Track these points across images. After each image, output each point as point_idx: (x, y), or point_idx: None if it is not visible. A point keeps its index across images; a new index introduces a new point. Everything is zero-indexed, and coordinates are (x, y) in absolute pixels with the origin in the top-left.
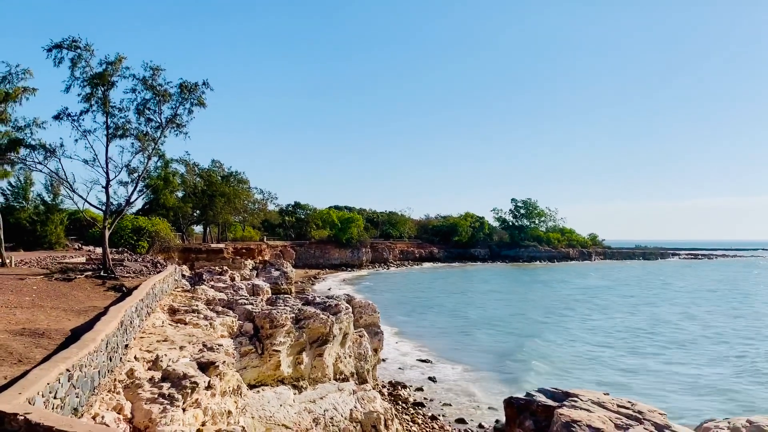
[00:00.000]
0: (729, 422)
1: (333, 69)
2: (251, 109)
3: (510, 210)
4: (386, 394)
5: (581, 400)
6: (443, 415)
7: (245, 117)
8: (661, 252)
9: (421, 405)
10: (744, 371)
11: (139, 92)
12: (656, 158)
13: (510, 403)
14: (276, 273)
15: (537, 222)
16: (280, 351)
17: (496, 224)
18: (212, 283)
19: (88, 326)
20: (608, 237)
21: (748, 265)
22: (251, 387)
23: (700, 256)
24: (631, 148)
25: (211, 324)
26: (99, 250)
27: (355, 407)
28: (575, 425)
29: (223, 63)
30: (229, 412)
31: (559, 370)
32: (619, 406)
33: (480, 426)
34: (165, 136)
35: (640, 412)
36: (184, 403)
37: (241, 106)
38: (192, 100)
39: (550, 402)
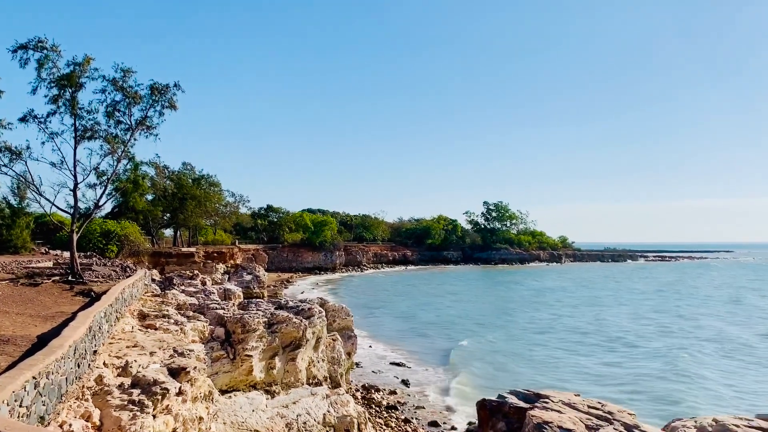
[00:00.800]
0: (696, 421)
1: (307, 72)
2: (223, 111)
3: (482, 213)
4: (359, 397)
5: (552, 401)
6: (416, 418)
7: (217, 119)
8: (629, 254)
9: (395, 408)
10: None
11: (108, 93)
12: (627, 161)
13: (483, 405)
14: (248, 277)
15: (508, 225)
16: (252, 356)
17: (468, 227)
18: (183, 287)
19: (56, 332)
20: (579, 239)
21: (707, 267)
22: (223, 392)
23: (667, 258)
24: (605, 150)
25: (181, 329)
26: (67, 254)
27: (329, 411)
28: (547, 426)
29: (195, 65)
30: (201, 418)
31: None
32: (589, 407)
33: (452, 428)
34: (135, 139)
35: (610, 413)
36: (154, 409)
37: (214, 109)
38: (163, 102)
39: (522, 403)
